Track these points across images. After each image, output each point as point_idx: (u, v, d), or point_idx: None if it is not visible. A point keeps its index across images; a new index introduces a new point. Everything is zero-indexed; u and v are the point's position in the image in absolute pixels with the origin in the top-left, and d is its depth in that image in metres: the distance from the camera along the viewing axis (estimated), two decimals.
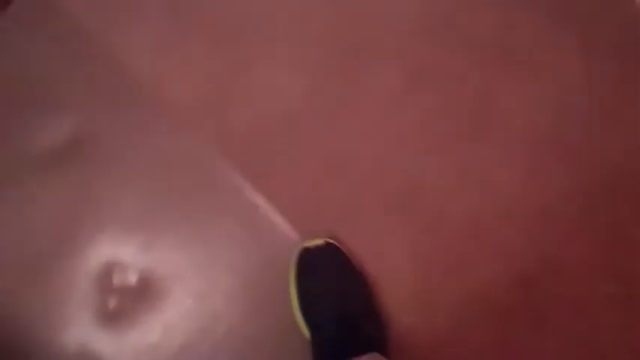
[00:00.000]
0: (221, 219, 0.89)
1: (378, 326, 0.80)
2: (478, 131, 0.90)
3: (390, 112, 0.90)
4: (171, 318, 0.88)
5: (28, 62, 0.90)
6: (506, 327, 0.82)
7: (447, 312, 0.84)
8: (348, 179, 0.88)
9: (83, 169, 0.89)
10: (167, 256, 0.89)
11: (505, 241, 0.86)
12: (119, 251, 0.89)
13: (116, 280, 0.88)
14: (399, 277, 0.85)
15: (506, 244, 0.86)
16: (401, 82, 0.90)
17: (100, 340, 0.87)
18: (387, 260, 0.86)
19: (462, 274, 0.85)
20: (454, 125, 0.89)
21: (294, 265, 0.81)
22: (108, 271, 0.88)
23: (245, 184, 0.89)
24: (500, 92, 0.90)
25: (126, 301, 0.88)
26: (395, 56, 0.90)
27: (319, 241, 0.81)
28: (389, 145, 0.89)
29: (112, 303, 0.88)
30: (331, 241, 0.82)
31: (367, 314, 0.78)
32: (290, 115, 0.89)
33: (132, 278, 0.88)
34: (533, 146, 0.89)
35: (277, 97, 0.89)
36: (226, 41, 0.90)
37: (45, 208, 0.89)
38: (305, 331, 0.79)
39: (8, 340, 0.86)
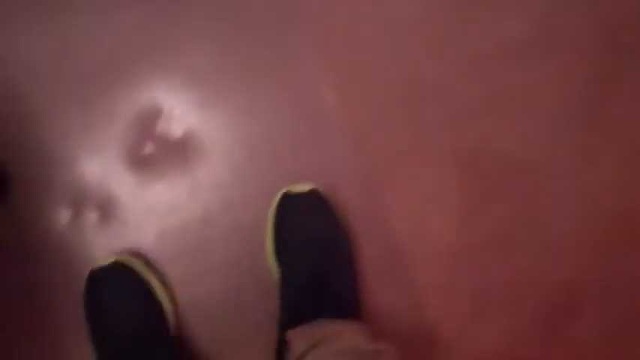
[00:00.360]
0: (287, 111, 0.83)
1: (349, 286, 0.75)
2: None
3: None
4: (201, 185, 0.81)
5: None
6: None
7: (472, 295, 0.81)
8: None
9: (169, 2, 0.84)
10: (219, 122, 0.83)
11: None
12: (174, 99, 0.83)
13: (160, 127, 0.82)
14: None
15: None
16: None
17: (121, 180, 0.81)
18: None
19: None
20: None
21: (275, 208, 0.76)
22: (155, 115, 0.82)
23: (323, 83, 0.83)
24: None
25: (162, 152, 0.82)
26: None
27: (304, 188, 0.75)
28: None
29: (148, 149, 0.82)
30: (316, 188, 0.76)
31: (339, 271, 0.73)
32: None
33: (176, 131, 0.82)
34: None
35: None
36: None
37: (119, 27, 0.83)
38: (274, 272, 0.75)
39: (33, 146, 0.81)
